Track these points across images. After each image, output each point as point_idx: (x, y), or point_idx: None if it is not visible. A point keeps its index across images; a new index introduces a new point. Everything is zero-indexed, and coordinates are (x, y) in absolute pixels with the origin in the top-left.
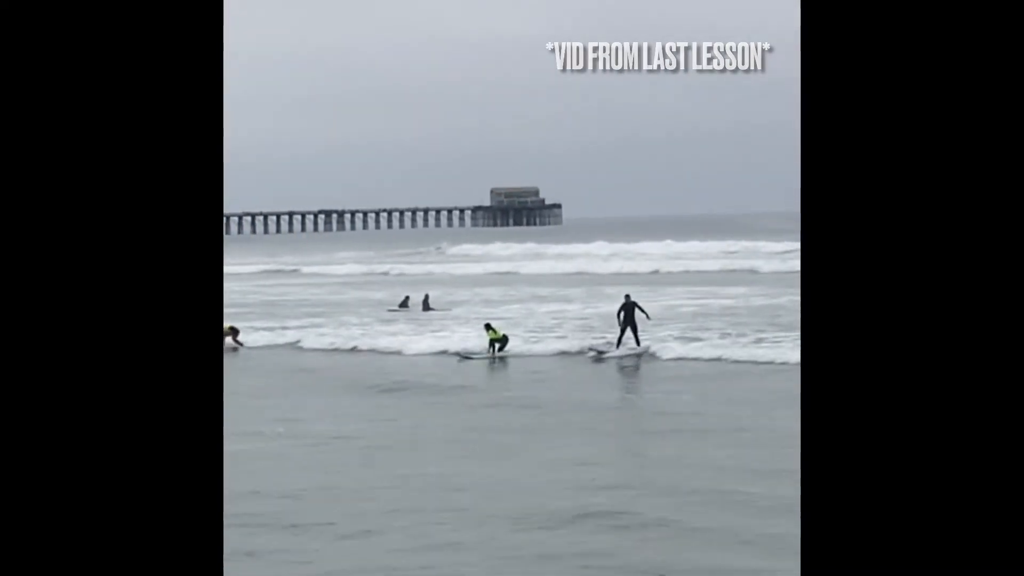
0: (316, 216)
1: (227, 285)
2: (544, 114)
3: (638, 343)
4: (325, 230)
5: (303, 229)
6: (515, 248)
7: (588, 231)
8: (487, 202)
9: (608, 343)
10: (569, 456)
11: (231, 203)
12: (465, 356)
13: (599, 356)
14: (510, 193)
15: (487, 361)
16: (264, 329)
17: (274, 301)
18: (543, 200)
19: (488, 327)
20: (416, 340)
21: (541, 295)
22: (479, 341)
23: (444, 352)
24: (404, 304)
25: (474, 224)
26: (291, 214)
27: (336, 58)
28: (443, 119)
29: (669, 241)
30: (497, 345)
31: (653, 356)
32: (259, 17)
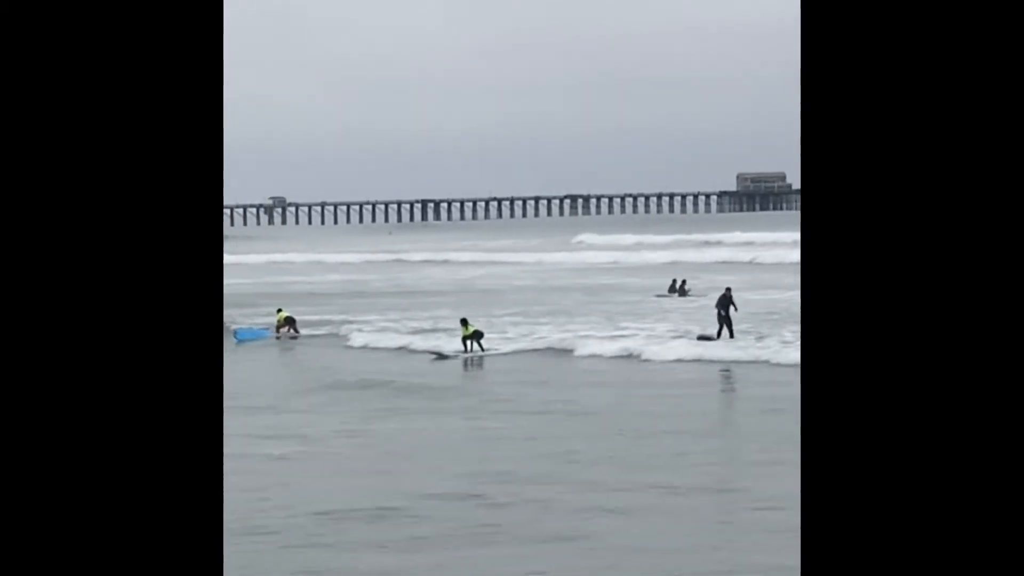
0: (562, 201)
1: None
2: (791, 98)
3: (732, 335)
4: (571, 214)
5: (548, 214)
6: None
7: None
8: (733, 187)
9: (709, 333)
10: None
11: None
12: (439, 356)
13: (704, 338)
14: (756, 178)
15: (472, 359)
16: (528, 326)
17: (494, 289)
18: (790, 185)
19: (464, 323)
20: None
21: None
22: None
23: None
24: (672, 289)
25: (720, 210)
26: (536, 199)
27: (579, 43)
28: (690, 103)
29: None
30: (470, 342)
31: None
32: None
